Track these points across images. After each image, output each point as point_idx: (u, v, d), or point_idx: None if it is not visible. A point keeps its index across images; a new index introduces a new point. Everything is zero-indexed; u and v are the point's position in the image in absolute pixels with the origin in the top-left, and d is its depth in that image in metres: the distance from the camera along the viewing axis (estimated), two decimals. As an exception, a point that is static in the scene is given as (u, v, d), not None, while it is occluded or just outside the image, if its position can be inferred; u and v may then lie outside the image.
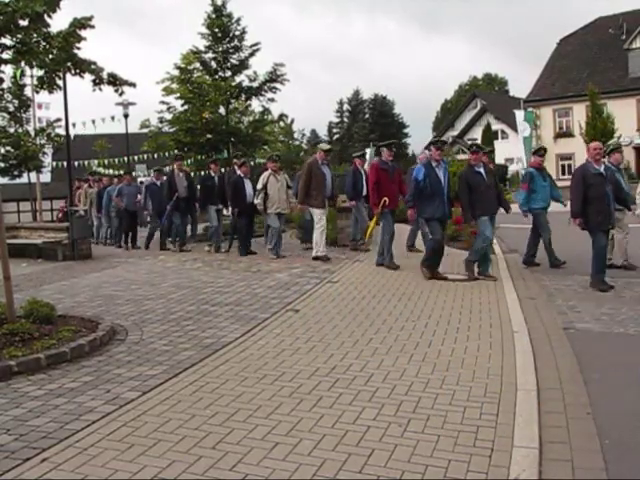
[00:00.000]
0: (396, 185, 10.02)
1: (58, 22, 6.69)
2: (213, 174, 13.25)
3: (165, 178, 13.89)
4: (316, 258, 10.54)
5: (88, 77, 7.15)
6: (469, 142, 11.02)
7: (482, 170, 8.84)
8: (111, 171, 28.65)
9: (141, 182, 16.96)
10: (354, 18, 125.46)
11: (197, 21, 61.62)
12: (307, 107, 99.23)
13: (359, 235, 11.89)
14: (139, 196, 14.49)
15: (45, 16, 6.27)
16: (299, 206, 11.22)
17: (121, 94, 7.73)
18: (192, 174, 17.11)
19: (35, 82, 13.73)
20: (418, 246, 11.52)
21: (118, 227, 15.35)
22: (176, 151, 20.74)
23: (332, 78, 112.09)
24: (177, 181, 13.29)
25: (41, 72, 7.07)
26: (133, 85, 7.65)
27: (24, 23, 6.22)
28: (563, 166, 39.24)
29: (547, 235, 9.69)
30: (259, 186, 11.43)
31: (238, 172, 12.16)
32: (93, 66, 7.09)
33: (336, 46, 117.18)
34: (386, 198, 9.56)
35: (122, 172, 18.85)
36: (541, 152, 10.50)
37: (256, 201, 11.50)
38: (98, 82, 7.23)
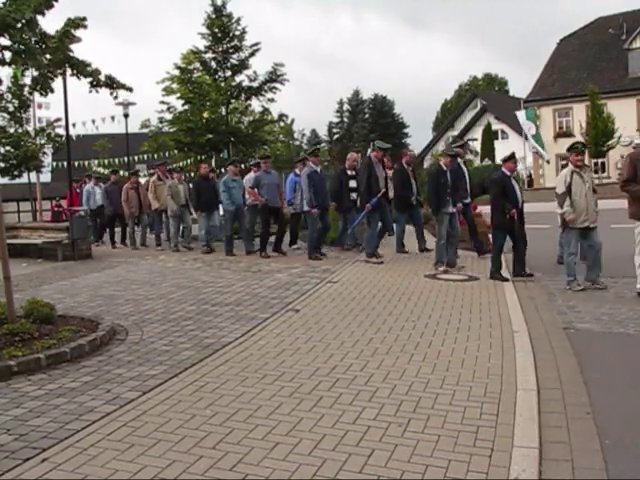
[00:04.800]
0: None
1: (54, 25, 6.72)
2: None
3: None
4: None
5: (85, 79, 7.16)
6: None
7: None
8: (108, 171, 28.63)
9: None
10: (344, 17, 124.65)
11: (197, 21, 61.70)
12: (306, 107, 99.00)
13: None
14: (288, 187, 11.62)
15: (36, 18, 6.28)
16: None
17: (115, 97, 7.73)
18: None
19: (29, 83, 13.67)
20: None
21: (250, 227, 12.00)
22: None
23: (332, 78, 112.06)
24: (378, 173, 10.37)
25: (36, 73, 7.07)
26: (130, 89, 7.65)
27: (18, 25, 6.23)
28: (563, 166, 39.02)
29: None
30: (560, 189, 8.08)
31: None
32: (90, 68, 7.08)
33: (335, 46, 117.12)
34: None
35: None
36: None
37: (560, 210, 8.17)
38: (95, 84, 7.23)
